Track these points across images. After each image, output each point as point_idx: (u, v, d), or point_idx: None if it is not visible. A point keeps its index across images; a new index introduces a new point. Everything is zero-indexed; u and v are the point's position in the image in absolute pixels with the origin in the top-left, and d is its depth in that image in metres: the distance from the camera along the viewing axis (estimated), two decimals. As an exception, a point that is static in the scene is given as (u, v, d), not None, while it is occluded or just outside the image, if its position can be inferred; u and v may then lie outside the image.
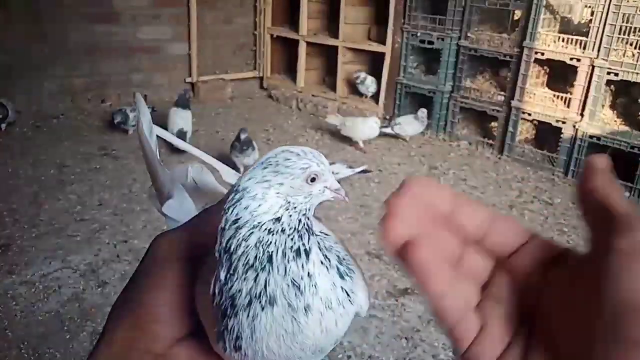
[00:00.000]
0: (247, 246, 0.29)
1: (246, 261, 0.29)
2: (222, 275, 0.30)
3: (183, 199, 0.45)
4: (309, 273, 0.31)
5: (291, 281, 0.30)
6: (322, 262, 0.32)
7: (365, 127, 3.88)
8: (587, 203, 0.30)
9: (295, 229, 0.31)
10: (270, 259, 0.29)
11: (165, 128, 3.63)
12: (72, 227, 2.61)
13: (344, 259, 0.35)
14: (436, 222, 0.32)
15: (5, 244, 2.43)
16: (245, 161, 3.26)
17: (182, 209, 0.45)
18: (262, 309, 0.30)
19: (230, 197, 0.30)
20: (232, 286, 0.30)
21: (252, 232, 0.29)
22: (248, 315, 0.30)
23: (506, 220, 0.33)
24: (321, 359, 0.34)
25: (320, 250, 0.32)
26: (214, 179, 0.48)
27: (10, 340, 1.87)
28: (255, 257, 0.29)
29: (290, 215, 0.31)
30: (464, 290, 0.32)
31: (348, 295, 0.33)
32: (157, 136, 0.47)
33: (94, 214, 2.76)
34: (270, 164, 0.31)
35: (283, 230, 0.30)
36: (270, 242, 0.30)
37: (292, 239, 0.30)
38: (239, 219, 0.29)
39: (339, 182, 0.34)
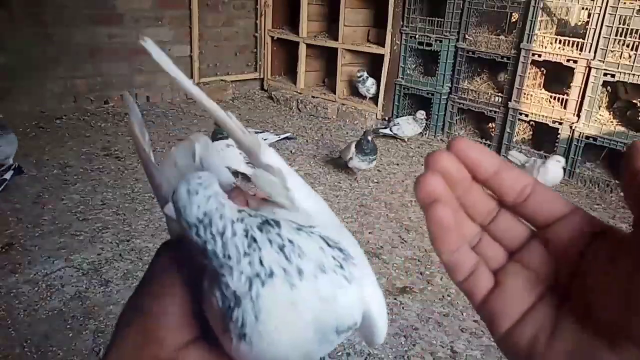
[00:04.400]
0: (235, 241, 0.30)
1: (239, 252, 0.29)
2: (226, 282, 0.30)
3: None
4: (288, 239, 0.31)
5: (278, 248, 0.30)
6: (298, 229, 0.32)
7: (548, 174, 3.19)
8: (634, 186, 0.29)
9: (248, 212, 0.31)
10: (254, 239, 0.30)
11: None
12: (75, 227, 2.64)
13: (335, 242, 0.33)
14: (477, 181, 0.33)
15: (8, 243, 2.45)
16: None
17: None
18: (263, 284, 0.29)
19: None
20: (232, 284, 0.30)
21: (234, 228, 0.30)
22: (251, 298, 0.29)
23: (548, 192, 0.33)
24: (327, 351, 0.32)
25: (290, 222, 0.32)
26: (221, 161, 0.40)
27: (13, 338, 1.89)
28: (246, 244, 0.30)
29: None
30: (485, 244, 0.34)
31: (342, 267, 0.32)
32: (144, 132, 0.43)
33: (97, 214, 2.78)
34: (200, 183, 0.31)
35: (249, 215, 0.31)
36: (247, 227, 0.30)
37: (256, 218, 0.31)
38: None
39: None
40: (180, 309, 0.34)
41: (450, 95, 4.21)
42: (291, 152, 3.86)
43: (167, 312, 0.34)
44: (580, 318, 0.30)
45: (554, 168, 3.19)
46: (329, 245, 0.32)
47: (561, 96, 3.64)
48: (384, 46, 4.51)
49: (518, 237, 0.34)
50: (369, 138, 3.27)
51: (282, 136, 3.73)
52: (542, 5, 3.57)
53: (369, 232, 2.79)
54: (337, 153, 3.72)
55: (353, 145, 3.35)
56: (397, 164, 3.76)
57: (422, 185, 0.32)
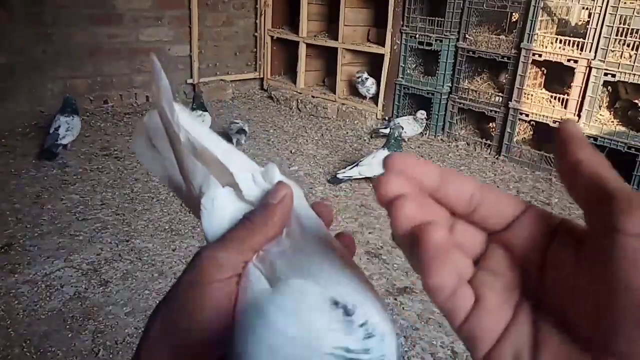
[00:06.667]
0: None
1: None
2: None
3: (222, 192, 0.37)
4: None
5: None
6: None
7: None
8: (575, 179, 0.26)
9: None
10: None
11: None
12: (75, 227, 2.64)
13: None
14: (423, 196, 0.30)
15: (7, 243, 2.45)
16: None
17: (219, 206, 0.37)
18: None
19: None
20: None
21: None
22: None
23: (497, 193, 0.30)
24: None
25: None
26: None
27: (12, 338, 1.89)
28: None
29: None
30: (456, 258, 0.30)
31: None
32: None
33: (96, 214, 2.78)
34: None
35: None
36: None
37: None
38: None
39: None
40: (217, 326, 0.33)
41: (451, 95, 4.20)
42: (291, 152, 3.86)
43: (205, 329, 0.33)
44: (560, 331, 0.27)
45: None
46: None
47: (562, 96, 3.63)
48: (384, 46, 4.50)
49: (478, 243, 0.31)
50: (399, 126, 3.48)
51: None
52: (542, 5, 3.56)
53: (369, 232, 2.78)
54: (341, 169, 3.42)
55: (386, 153, 3.24)
56: (397, 164, 3.75)
57: (382, 188, 0.28)
